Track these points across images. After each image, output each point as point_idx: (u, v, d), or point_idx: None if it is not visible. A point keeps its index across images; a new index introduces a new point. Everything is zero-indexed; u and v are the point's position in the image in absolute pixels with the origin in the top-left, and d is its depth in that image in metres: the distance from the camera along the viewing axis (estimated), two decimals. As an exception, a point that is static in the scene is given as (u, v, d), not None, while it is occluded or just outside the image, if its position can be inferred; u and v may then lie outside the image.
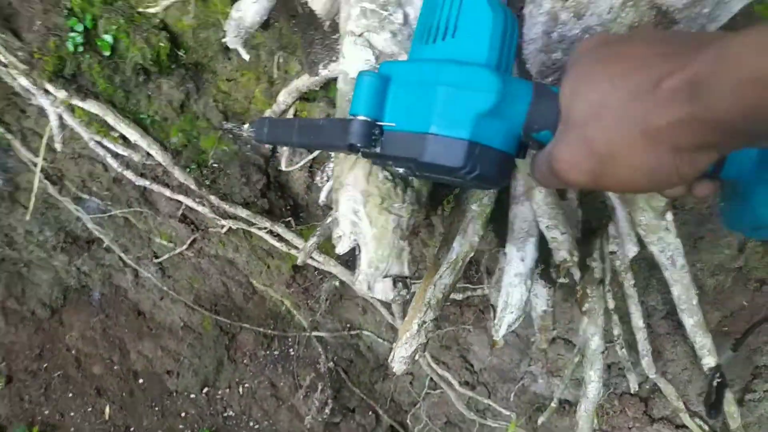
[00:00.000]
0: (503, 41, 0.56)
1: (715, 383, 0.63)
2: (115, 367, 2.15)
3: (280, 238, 1.79)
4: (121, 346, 2.17)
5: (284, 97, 1.47)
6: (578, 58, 0.48)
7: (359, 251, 0.86)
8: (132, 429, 2.12)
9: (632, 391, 1.54)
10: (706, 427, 1.63)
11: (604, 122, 0.42)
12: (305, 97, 1.49)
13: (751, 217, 0.50)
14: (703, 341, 1.36)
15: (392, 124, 0.55)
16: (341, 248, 0.86)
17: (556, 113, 0.48)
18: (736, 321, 1.42)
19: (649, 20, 0.75)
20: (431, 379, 2.03)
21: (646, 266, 1.35)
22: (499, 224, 1.13)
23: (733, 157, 0.49)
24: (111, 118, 1.49)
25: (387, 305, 1.90)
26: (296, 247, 1.76)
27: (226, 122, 1.58)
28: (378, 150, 0.57)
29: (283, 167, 1.59)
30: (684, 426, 1.68)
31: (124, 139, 1.62)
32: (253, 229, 1.79)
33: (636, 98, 0.40)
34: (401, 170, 0.66)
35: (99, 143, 1.62)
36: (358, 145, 0.56)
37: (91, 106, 1.48)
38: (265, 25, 1.30)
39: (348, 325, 2.06)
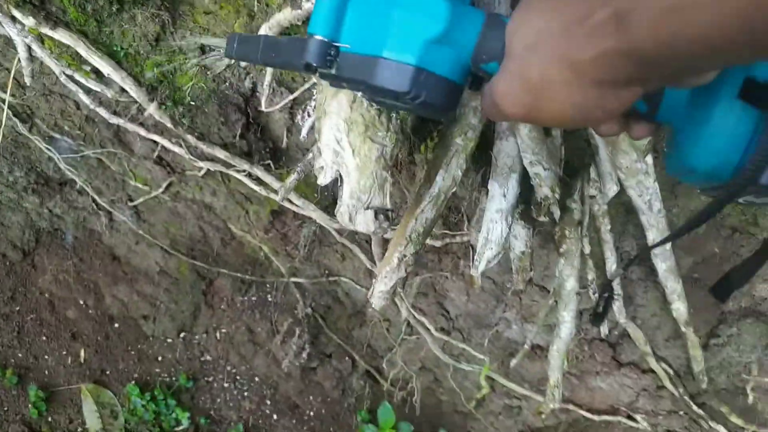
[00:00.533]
0: None
1: (605, 295, 0.67)
2: (90, 311, 2.13)
3: (259, 181, 1.76)
4: (95, 290, 2.15)
5: (265, 31, 1.43)
6: None
7: (341, 183, 0.85)
8: (108, 372, 2.12)
9: (602, 336, 1.58)
10: (671, 371, 1.69)
11: (537, 55, 0.43)
12: (287, 32, 1.44)
13: (681, 159, 0.51)
14: (674, 286, 1.40)
15: (347, 46, 0.55)
16: (323, 179, 0.85)
17: (502, 44, 0.48)
18: (707, 267, 1.46)
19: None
20: (407, 325, 2.06)
21: (624, 211, 1.36)
22: (481, 164, 1.13)
23: (666, 99, 0.49)
24: (83, 50, 1.42)
25: (366, 251, 1.91)
26: (275, 191, 1.73)
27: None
28: (333, 71, 0.57)
29: (262, 107, 1.56)
30: (650, 370, 1.74)
31: (97, 74, 1.56)
32: (231, 172, 1.76)
33: (565, 32, 0.40)
34: (359, 94, 0.65)
35: (70, 78, 1.56)
36: (314, 64, 0.56)
37: (62, 36, 1.41)
38: (246, -49, 1.24)
39: (326, 272, 2.07)
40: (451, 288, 1.93)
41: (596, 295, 1.48)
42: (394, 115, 0.79)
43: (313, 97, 1.54)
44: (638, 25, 0.35)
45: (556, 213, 0.95)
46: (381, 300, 0.93)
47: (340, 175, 0.83)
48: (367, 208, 0.82)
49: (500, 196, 0.91)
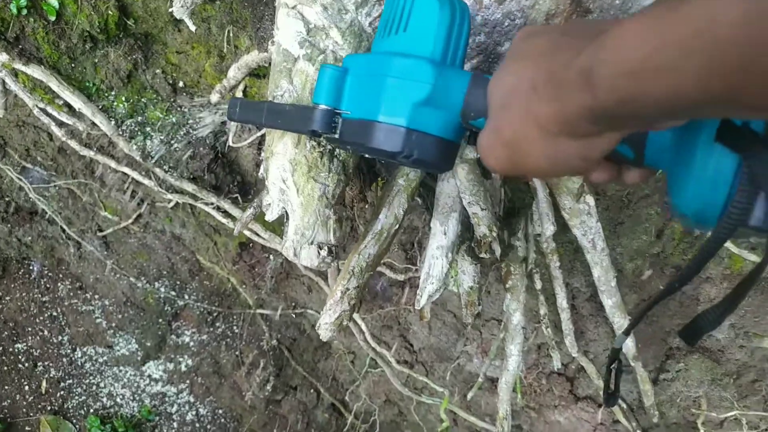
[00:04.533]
0: (449, 35, 0.60)
1: (613, 369, 0.63)
2: (53, 340, 2.12)
3: (227, 215, 1.80)
4: (59, 319, 2.14)
5: (234, 72, 1.49)
6: (507, 53, 0.51)
7: (287, 219, 0.90)
8: (66, 406, 2.10)
9: (555, 369, 1.62)
10: (624, 406, 1.73)
11: (510, 112, 0.46)
12: (255, 73, 1.51)
13: (673, 204, 0.51)
14: (621, 322, 1.45)
15: (348, 112, 0.61)
16: (270, 215, 0.90)
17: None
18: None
19: (565, 8, 0.81)
20: (372, 358, 2.09)
21: (572, 249, 1.43)
22: (430, 201, 1.19)
23: (651, 143, 0.50)
24: (55, 85, 1.47)
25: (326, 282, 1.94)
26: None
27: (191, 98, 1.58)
28: (336, 135, 0.62)
29: (230, 143, 1.61)
30: (605, 404, 1.78)
31: (69, 108, 1.61)
32: (199, 204, 1.80)
33: (533, 90, 0.43)
34: (348, 151, 0.70)
35: (43, 110, 1.60)
36: (320, 131, 0.62)
37: (35, 72, 1.46)
38: (213, -3, 1.31)
39: (293, 304, 2.09)
40: (414, 321, 1.96)
41: (548, 329, 1.53)
42: (336, 157, 0.84)
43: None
44: (600, 85, 0.35)
45: (497, 250, 1.01)
46: (327, 332, 0.97)
47: (287, 212, 0.88)
48: (311, 243, 0.86)
49: (441, 233, 0.97)
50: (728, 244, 1.39)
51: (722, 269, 1.44)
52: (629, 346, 1.50)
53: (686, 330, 0.54)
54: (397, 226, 0.93)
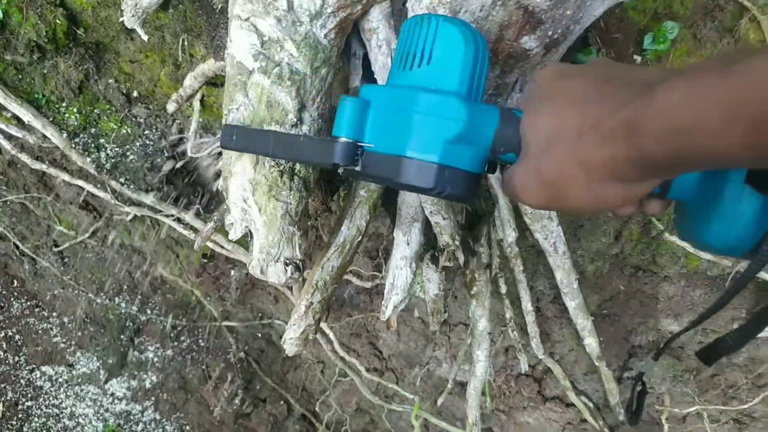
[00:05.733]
0: (474, 70, 0.60)
1: (637, 390, 0.66)
2: (9, 361, 2.04)
3: (189, 226, 1.76)
4: (16, 338, 2.06)
5: (190, 81, 1.46)
6: (537, 90, 0.52)
7: (251, 238, 0.88)
8: (25, 429, 2.02)
9: (523, 371, 1.64)
10: (591, 404, 1.76)
11: (552, 156, 0.47)
12: (213, 82, 1.48)
13: (695, 235, 0.54)
14: (584, 323, 1.47)
15: (371, 145, 0.60)
16: (233, 234, 0.88)
17: (518, 138, 0.53)
18: (614, 304, 1.55)
19: (518, 19, 0.82)
20: (341, 367, 2.07)
21: (535, 253, 1.44)
22: (393, 210, 1.18)
23: (678, 181, 0.53)
24: (1, 97, 1.41)
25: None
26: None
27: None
28: (358, 168, 0.61)
29: (189, 153, 1.57)
30: (572, 404, 1.81)
31: (18, 120, 1.55)
32: (159, 217, 1.75)
33: (578, 136, 0.44)
34: (361, 180, 0.68)
35: (-10, 123, 1.54)
36: (341, 164, 0.60)
37: (-21, 83, 1.40)
38: (166, 5, 1.28)
39: (260, 315, 2.06)
40: (382, 328, 1.95)
41: (515, 332, 1.55)
42: (297, 174, 0.83)
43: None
44: (648, 138, 0.37)
45: (460, 258, 1.01)
46: (293, 346, 0.95)
47: (250, 231, 0.86)
48: (278, 261, 0.84)
49: (404, 243, 0.96)
50: (684, 243, 1.43)
51: (679, 268, 1.47)
52: (593, 346, 1.52)
53: (704, 352, 0.57)
54: (360, 237, 0.92)
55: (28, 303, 2.07)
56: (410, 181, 0.56)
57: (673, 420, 1.72)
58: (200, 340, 2.07)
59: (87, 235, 1.89)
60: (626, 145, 0.40)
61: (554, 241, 1.28)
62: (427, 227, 1.03)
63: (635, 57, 1.10)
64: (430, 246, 1.09)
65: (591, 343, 1.50)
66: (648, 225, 1.38)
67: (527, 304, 1.46)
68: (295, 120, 0.81)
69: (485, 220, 1.16)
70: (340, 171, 0.65)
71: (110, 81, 1.50)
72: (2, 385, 2.02)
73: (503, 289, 1.44)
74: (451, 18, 0.61)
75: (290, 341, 0.95)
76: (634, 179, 0.43)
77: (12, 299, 2.06)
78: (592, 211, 0.48)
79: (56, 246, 1.96)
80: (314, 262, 1.85)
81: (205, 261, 1.98)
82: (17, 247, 1.98)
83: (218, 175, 1.76)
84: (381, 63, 0.88)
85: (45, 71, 1.44)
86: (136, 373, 2.13)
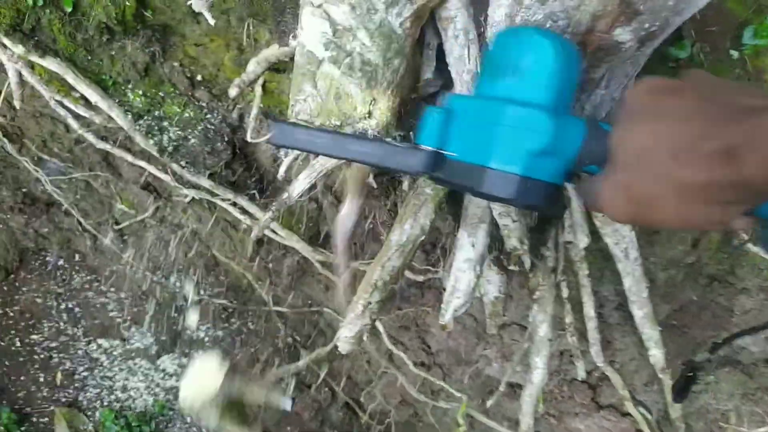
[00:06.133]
0: (563, 82, 0.59)
1: (686, 373, 0.69)
2: (68, 333, 2.11)
3: (244, 211, 1.77)
4: (75, 311, 2.13)
5: (254, 66, 1.44)
6: (630, 104, 0.50)
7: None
8: (81, 399, 2.10)
9: (580, 378, 1.57)
10: (649, 416, 1.68)
11: (644, 173, 0.45)
12: (275, 68, 1.46)
13: None
14: (650, 333, 1.39)
15: (454, 154, 0.61)
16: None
17: (605, 152, 0.51)
18: (684, 315, 1.46)
19: (613, 9, 0.75)
20: (388, 358, 2.05)
21: (601, 257, 1.37)
22: (456, 208, 1.14)
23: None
24: (71, 77, 1.44)
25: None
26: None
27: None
28: (441, 175, 0.62)
29: (249, 138, 1.57)
30: (628, 414, 1.73)
31: (86, 101, 1.57)
32: (216, 200, 1.76)
33: (674, 156, 0.42)
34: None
35: (60, 103, 1.57)
36: (425, 171, 0.62)
37: (50, 64, 1.43)
38: (234, -10, 1.27)
39: (309, 302, 2.06)
40: (432, 323, 1.92)
41: (574, 338, 1.48)
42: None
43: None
44: (749, 162, 0.37)
45: (527, 263, 0.96)
46: (347, 345, 0.93)
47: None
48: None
49: (469, 245, 0.92)
50: (768, 255, 1.32)
51: (760, 281, 1.37)
52: (658, 357, 1.44)
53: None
54: (423, 237, 0.88)
55: (88, 277, 2.14)
56: (491, 191, 0.57)
57: (738, 440, 1.62)
58: (250, 323, 2.09)
59: (147, 214, 1.93)
60: (726, 169, 0.39)
61: (626, 246, 1.21)
62: (493, 228, 0.97)
63: (732, 52, 1.01)
64: (494, 247, 1.04)
65: (656, 354, 1.42)
66: (729, 234, 1.28)
67: (590, 310, 1.40)
68: (364, 113, 0.78)
69: (554, 223, 1.10)
70: (423, 177, 0.68)
71: (175, 64, 1.50)
72: (61, 355, 2.11)
73: (565, 293, 1.38)
74: (545, 30, 0.61)
75: (344, 339, 0.93)
76: (729, 202, 0.42)
77: (74, 273, 2.13)
78: (680, 228, 0.48)
79: (117, 224, 2.01)
80: (368, 251, 1.83)
81: (257, 247, 1.99)
82: (80, 223, 2.04)
83: (275, 161, 1.76)
84: (457, 54, 0.83)
85: (113, 53, 1.46)
86: (187, 351, 2.17)
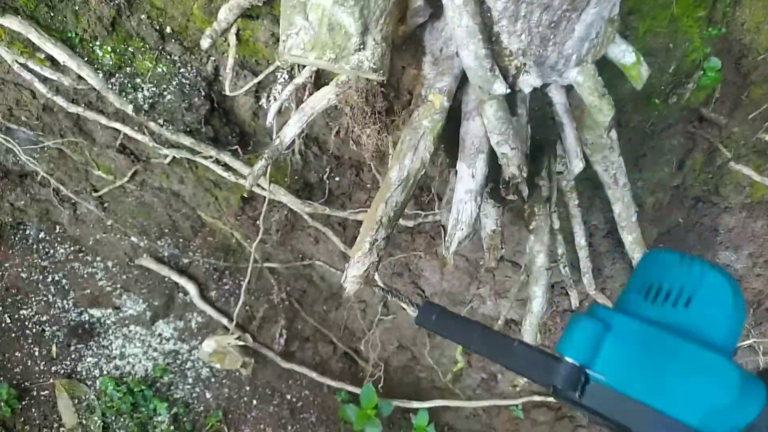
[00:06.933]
0: (739, 327, 0.54)
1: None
2: (58, 305, 2.09)
3: (227, 168, 1.74)
4: (62, 283, 2.10)
5: (225, 14, 1.39)
6: None
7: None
8: (79, 369, 2.09)
9: (573, 308, 1.62)
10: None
11: None
12: (248, 14, 1.41)
13: None
14: (640, 257, 1.43)
15: (602, 377, 0.52)
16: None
17: None
18: (671, 237, 1.49)
19: None
20: (383, 305, 2.08)
21: (590, 186, 1.38)
22: (450, 144, 1.13)
23: None
24: (34, 36, 1.37)
25: (339, 234, 1.90)
26: (244, 177, 1.71)
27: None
28: (578, 398, 0.52)
29: (227, 91, 1.52)
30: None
31: (52, 62, 1.50)
32: (198, 159, 1.72)
33: None
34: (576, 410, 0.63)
35: (24, 66, 1.50)
36: (561, 388, 0.52)
37: (11, 23, 1.35)
38: (201, -70, 1.20)
39: (300, 256, 2.06)
40: (425, 267, 1.94)
41: (566, 268, 1.51)
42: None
43: (278, 80, 1.52)
44: None
45: (525, 191, 0.96)
46: (354, 285, 0.93)
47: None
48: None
49: (469, 176, 0.92)
50: (751, 171, 1.35)
51: (743, 198, 1.41)
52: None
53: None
54: (424, 170, 0.88)
55: (72, 248, 2.10)
56: None
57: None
58: (242, 282, 2.09)
59: (126, 179, 1.88)
60: None
61: (614, 172, 1.22)
62: (490, 159, 0.97)
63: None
64: (489, 179, 1.04)
65: (646, 277, 1.46)
66: (713, 154, 1.30)
67: (581, 239, 1.42)
68: (358, 44, 0.76)
69: (547, 151, 1.11)
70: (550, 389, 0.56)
71: (143, 17, 1.44)
72: (54, 327, 2.08)
73: (556, 224, 1.40)
74: (717, 266, 0.55)
75: (352, 279, 0.93)
76: None
77: (56, 245, 2.09)
78: None
79: (96, 191, 1.96)
80: (356, 199, 1.82)
81: (243, 204, 1.96)
82: (57, 193, 1.98)
83: (256, 114, 1.71)
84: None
85: (76, 8, 1.39)
86: (182, 314, 2.17)
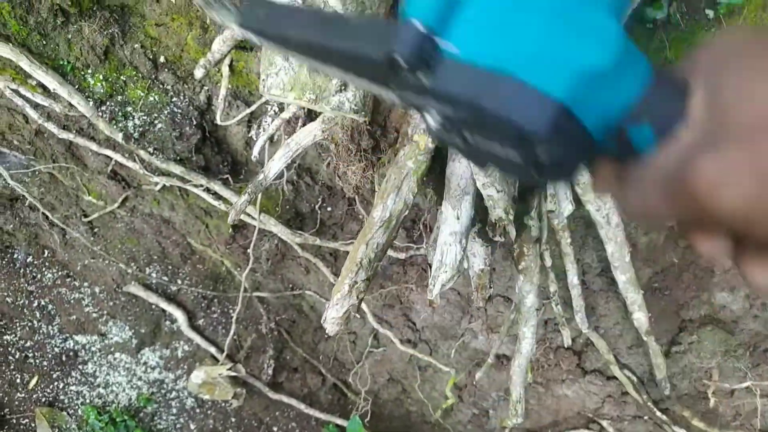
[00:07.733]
0: None
1: None
2: (42, 331, 2.05)
3: (218, 196, 1.72)
4: (49, 308, 2.06)
5: (219, 45, 1.38)
6: (733, 58, 0.35)
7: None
8: (61, 397, 2.04)
9: (566, 346, 1.58)
10: (635, 378, 1.70)
11: None
12: (242, 46, 1.40)
13: None
14: (634, 297, 1.40)
15: (456, 50, 0.38)
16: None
17: (677, 111, 0.34)
18: (666, 277, 1.47)
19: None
20: (374, 337, 2.04)
21: (583, 225, 1.36)
22: (438, 182, 1.11)
23: None
24: (25, 63, 1.36)
25: (330, 264, 1.88)
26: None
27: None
28: (426, 81, 0.39)
29: (218, 121, 1.51)
30: (614, 377, 1.76)
31: (44, 88, 1.50)
32: (188, 187, 1.71)
33: None
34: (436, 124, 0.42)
35: (16, 92, 1.49)
36: (401, 59, 0.38)
37: (3, 50, 1.35)
38: (193, -36, 1.20)
39: (290, 286, 2.03)
40: (416, 300, 1.91)
41: (558, 306, 1.48)
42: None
43: (268, 112, 1.51)
44: None
45: (512, 233, 0.94)
46: (334, 326, 0.90)
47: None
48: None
49: (454, 218, 0.90)
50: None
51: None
52: (642, 320, 1.45)
53: None
54: (407, 211, 0.85)
55: (60, 273, 2.07)
56: (510, 112, 0.35)
57: (720, 394, 1.66)
58: (231, 311, 2.06)
59: (116, 205, 1.86)
60: None
61: (607, 212, 1.20)
62: (477, 199, 0.95)
63: (707, 11, 0.99)
64: (477, 219, 1.02)
65: (640, 317, 1.43)
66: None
67: (573, 278, 1.40)
68: (339, 85, 0.74)
69: (537, 192, 1.09)
70: (394, 94, 0.41)
71: (136, 46, 1.43)
72: (38, 354, 2.04)
73: (548, 262, 1.37)
74: None
75: (331, 320, 0.90)
76: None
77: (44, 269, 2.06)
78: None
79: (85, 216, 1.94)
80: (348, 230, 1.79)
81: (234, 232, 1.94)
82: (47, 218, 1.97)
83: (248, 143, 1.70)
84: None
85: (69, 36, 1.39)
86: (168, 342, 2.13)
